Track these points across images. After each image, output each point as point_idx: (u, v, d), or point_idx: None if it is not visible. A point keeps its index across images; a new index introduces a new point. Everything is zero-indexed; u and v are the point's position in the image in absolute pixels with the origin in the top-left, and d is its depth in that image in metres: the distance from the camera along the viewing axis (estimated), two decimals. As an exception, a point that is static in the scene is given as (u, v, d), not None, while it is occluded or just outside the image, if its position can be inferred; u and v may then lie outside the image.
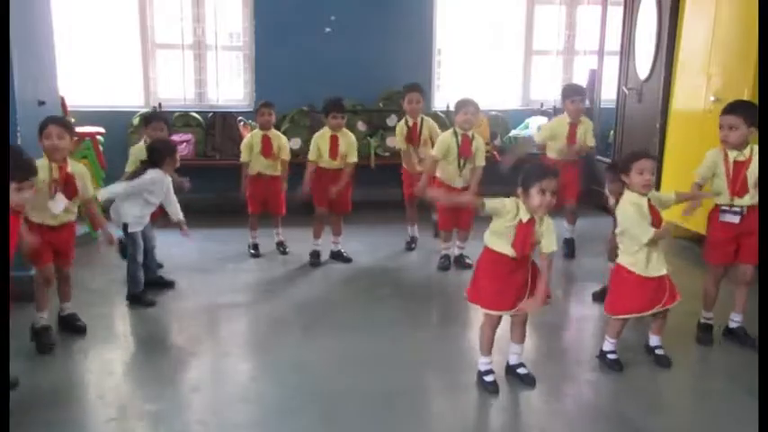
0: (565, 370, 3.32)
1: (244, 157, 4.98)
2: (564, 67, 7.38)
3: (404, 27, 6.70)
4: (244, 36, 6.76)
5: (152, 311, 3.98)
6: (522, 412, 2.95)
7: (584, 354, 3.53)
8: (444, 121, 6.26)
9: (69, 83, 5.89)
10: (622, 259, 3.20)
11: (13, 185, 2.69)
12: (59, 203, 3.36)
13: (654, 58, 5.84)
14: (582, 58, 7.34)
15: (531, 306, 2.94)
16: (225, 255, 5.07)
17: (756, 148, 3.31)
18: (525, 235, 2.85)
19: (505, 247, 2.90)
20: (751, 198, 3.35)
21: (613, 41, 6.66)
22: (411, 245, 5.28)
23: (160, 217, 4.33)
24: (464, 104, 4.55)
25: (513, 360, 3.13)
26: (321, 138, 4.75)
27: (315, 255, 4.87)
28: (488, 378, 3.05)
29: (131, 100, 6.58)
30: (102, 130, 5.81)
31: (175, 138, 6.19)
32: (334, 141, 4.71)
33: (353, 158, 4.81)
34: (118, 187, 4.01)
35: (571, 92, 5.04)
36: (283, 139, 5.11)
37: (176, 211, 4.21)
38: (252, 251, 5.07)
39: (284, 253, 5.11)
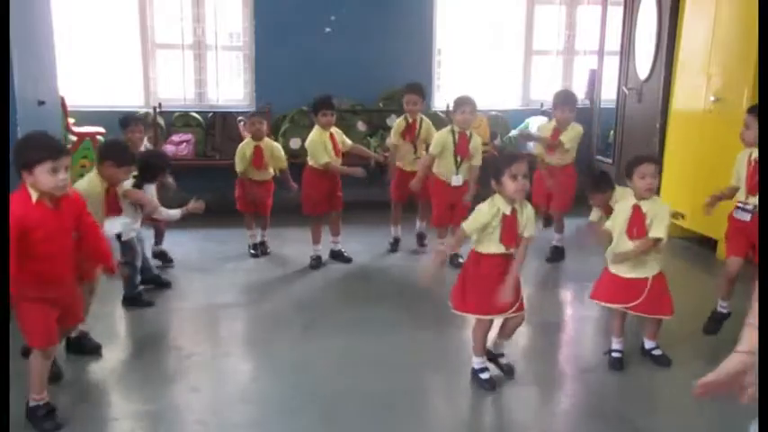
0: (564, 370, 3.32)
1: (239, 168, 4.92)
2: (564, 67, 7.37)
3: (404, 27, 6.70)
4: (244, 36, 6.76)
5: (152, 312, 3.98)
6: (521, 412, 2.96)
7: (583, 354, 3.53)
8: (444, 120, 6.25)
9: (69, 83, 5.89)
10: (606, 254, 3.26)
11: (46, 166, 2.45)
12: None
13: (654, 58, 5.85)
14: (582, 58, 7.34)
15: (502, 293, 2.88)
16: (224, 255, 5.07)
17: None
18: (511, 226, 2.89)
19: (493, 246, 2.92)
20: None
21: (613, 41, 6.66)
22: (395, 246, 5.24)
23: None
24: (461, 103, 4.56)
25: (495, 349, 3.15)
26: (322, 139, 4.66)
27: (316, 259, 4.83)
28: (484, 375, 3.06)
29: (131, 100, 6.57)
30: (102, 130, 5.82)
31: (175, 138, 6.21)
32: (333, 140, 4.69)
33: (348, 142, 4.88)
34: (122, 220, 3.83)
35: (561, 101, 4.85)
36: (277, 148, 5.04)
37: (169, 215, 4.05)
38: (252, 251, 5.06)
39: (265, 253, 5.08)
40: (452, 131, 4.58)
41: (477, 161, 4.62)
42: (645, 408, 2.91)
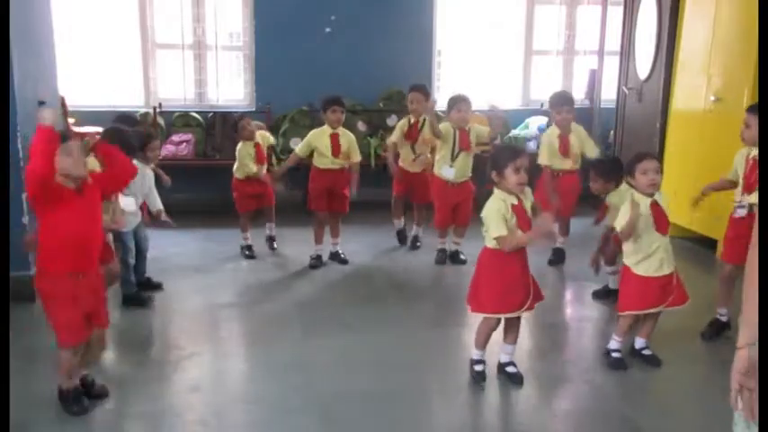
0: (564, 370, 3.32)
1: (241, 175, 4.90)
2: (564, 67, 7.37)
3: (404, 27, 6.70)
4: (244, 36, 6.76)
5: (152, 312, 3.98)
6: (521, 412, 2.95)
7: (584, 354, 3.53)
8: (445, 120, 6.25)
9: (69, 83, 5.89)
10: (626, 259, 3.23)
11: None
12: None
13: (654, 58, 5.84)
14: (582, 58, 7.34)
15: (543, 223, 2.92)
16: (224, 255, 5.06)
17: None
18: (523, 213, 2.94)
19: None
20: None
21: (613, 41, 6.66)
22: (402, 237, 5.30)
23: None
24: (456, 101, 4.57)
25: (504, 359, 3.15)
26: (319, 137, 4.66)
27: (317, 259, 4.82)
28: (478, 367, 3.10)
29: (131, 100, 6.57)
30: (102, 129, 5.80)
31: (175, 138, 6.21)
32: (335, 139, 4.66)
33: (357, 157, 4.78)
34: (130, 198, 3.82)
35: (558, 102, 4.67)
36: (264, 136, 5.07)
37: (156, 203, 4.13)
38: (246, 252, 5.01)
39: (272, 248, 5.09)
40: (453, 128, 4.63)
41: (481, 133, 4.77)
42: (646, 408, 2.91)
